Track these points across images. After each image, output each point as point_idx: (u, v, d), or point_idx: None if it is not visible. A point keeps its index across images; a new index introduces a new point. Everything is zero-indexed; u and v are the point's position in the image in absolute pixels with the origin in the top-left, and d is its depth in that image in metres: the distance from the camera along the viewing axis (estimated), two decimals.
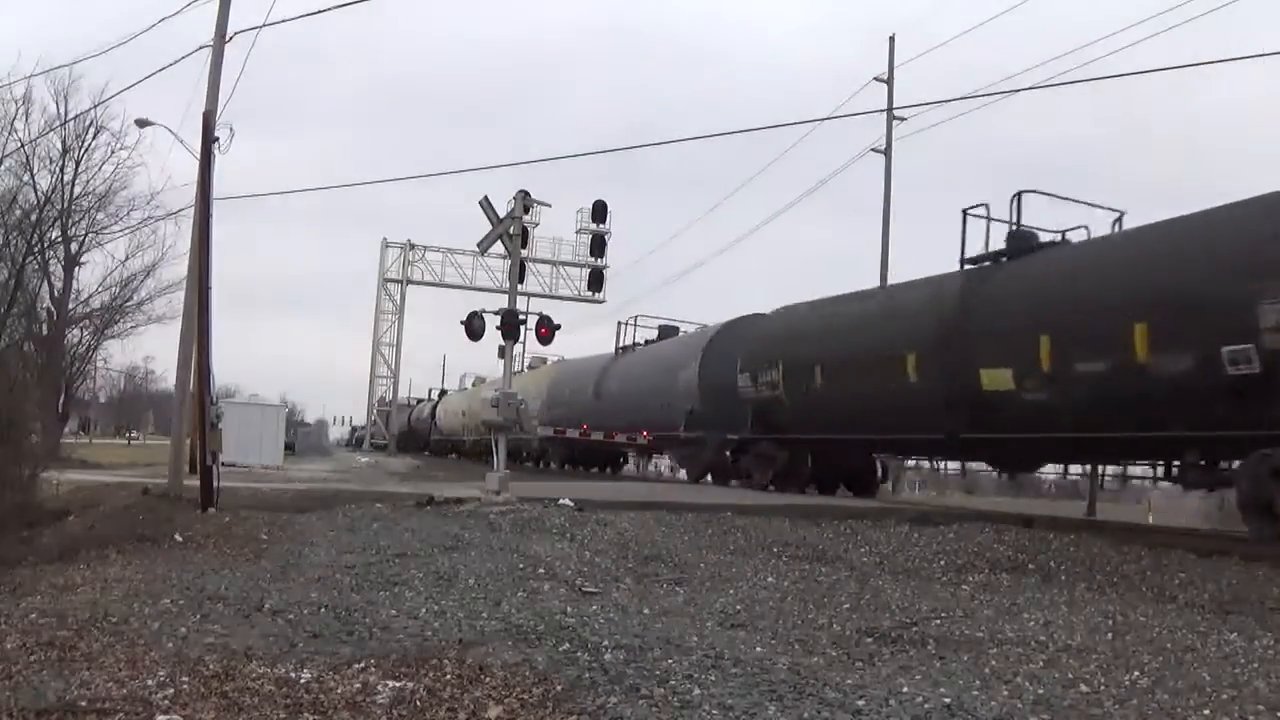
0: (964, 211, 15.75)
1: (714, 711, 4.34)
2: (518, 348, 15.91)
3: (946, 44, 71.96)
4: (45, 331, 31.44)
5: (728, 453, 21.45)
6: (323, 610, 6.52)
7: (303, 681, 4.81)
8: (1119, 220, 14.78)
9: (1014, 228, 15.19)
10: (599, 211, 20.24)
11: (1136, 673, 5.36)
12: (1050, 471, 20.28)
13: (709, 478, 23.78)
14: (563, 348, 39.72)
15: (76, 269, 32.53)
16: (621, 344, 31.17)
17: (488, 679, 4.87)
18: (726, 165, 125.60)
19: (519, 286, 15.59)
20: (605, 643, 5.58)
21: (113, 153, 30.73)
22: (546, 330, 15.06)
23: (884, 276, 27.03)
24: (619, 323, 31.60)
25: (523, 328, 14.78)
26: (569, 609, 6.68)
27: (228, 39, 15.04)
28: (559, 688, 4.68)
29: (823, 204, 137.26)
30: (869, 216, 29.87)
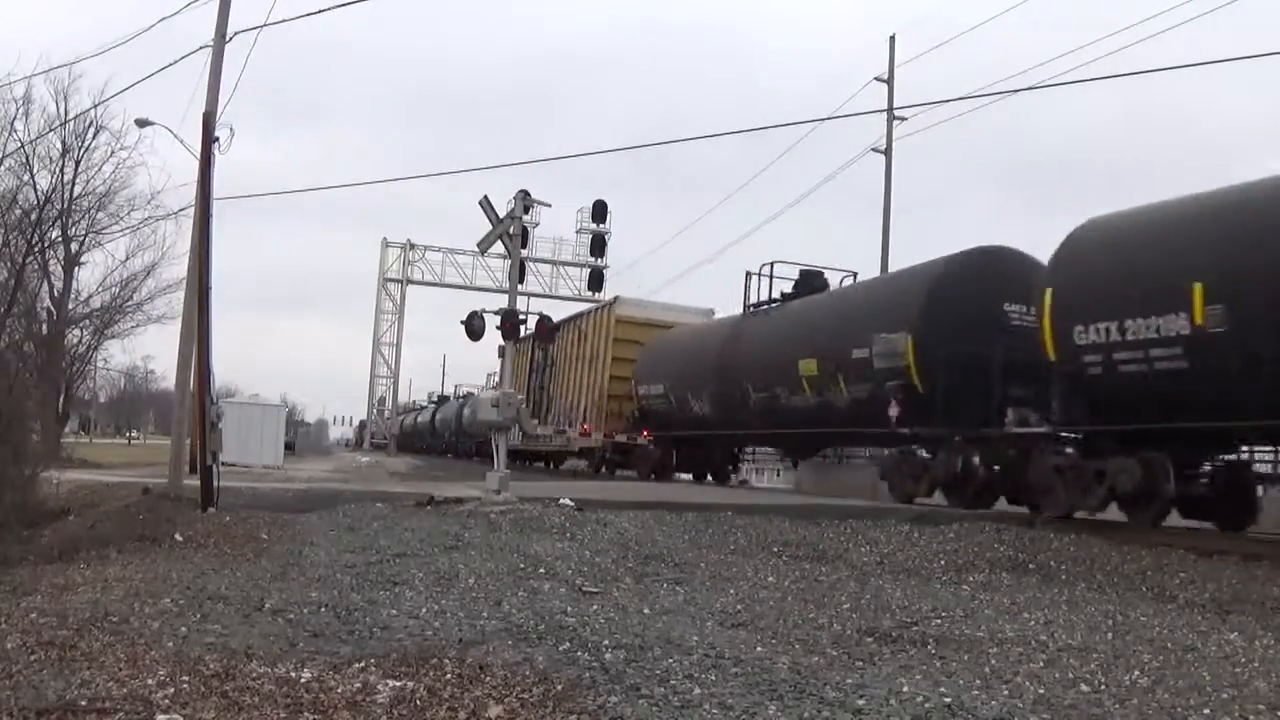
0: None
1: (714, 711, 4.34)
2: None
3: (975, 28, 71.58)
4: (45, 331, 31.38)
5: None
6: (323, 610, 6.52)
7: (303, 681, 4.80)
8: None
9: None
10: (599, 211, 20.26)
11: (1136, 672, 5.36)
12: None
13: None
14: None
15: (76, 269, 32.51)
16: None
17: (488, 678, 4.86)
18: (730, 165, 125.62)
19: (519, 286, 15.60)
20: (605, 642, 5.58)
21: (113, 153, 30.60)
22: (546, 330, 15.09)
23: (884, 271, 26.98)
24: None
25: (522, 328, 14.80)
26: (569, 608, 6.69)
27: (228, 39, 15.04)
28: (559, 687, 4.68)
29: (835, 201, 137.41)
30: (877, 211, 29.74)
